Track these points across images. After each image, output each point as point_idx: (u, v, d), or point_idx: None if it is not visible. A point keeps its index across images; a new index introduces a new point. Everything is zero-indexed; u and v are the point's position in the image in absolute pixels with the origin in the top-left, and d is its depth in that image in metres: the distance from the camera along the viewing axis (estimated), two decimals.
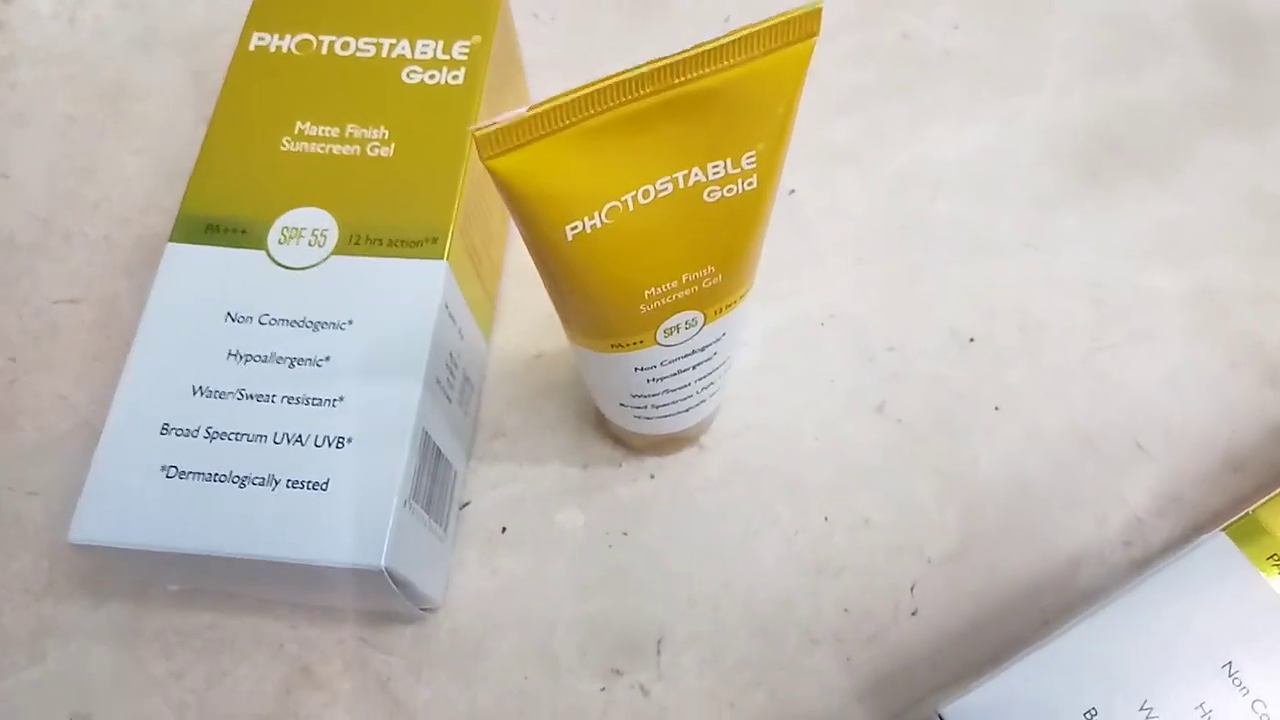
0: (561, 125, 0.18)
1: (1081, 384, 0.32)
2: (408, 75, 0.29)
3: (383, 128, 0.29)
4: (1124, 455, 0.31)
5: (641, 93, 0.18)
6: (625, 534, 0.30)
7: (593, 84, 0.17)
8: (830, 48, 0.38)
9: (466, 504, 0.30)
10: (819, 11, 0.18)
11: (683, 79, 0.18)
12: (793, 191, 0.35)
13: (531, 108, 0.17)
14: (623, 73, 0.17)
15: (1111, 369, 0.32)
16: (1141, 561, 0.29)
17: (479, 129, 0.17)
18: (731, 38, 0.18)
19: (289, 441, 0.25)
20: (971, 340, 0.32)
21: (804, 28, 0.18)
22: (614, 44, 0.38)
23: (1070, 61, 0.38)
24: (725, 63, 0.18)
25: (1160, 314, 0.33)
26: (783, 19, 0.18)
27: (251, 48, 0.30)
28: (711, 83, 0.18)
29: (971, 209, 0.35)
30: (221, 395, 0.25)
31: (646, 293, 0.21)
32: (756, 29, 0.18)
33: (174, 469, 0.25)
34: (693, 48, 0.18)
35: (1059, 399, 0.31)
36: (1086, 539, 0.30)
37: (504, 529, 0.30)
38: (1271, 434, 0.31)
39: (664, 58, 0.17)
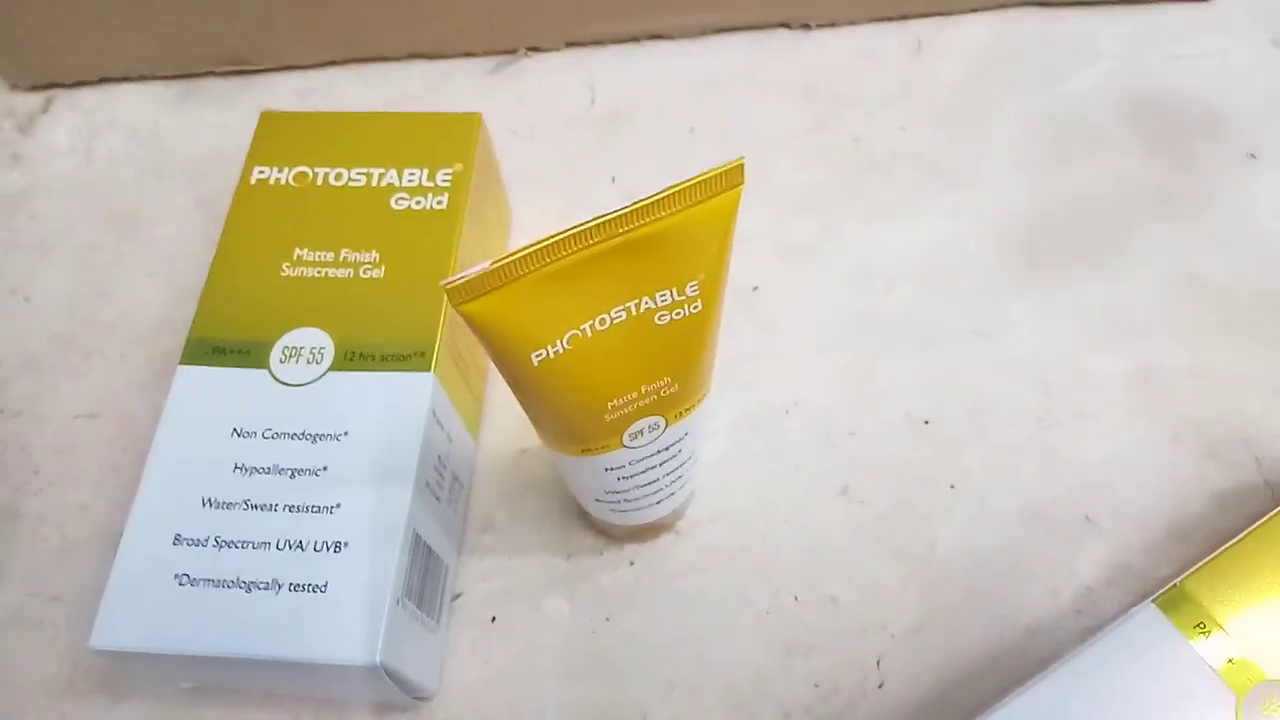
0: (522, 273, 0.20)
1: (1031, 462, 0.34)
2: (396, 202, 0.32)
3: (374, 251, 0.31)
4: (1074, 529, 0.33)
5: (592, 241, 0.20)
6: (608, 619, 0.32)
7: (549, 237, 0.20)
8: (786, 153, 0.41)
9: (459, 595, 0.32)
10: (742, 166, 0.21)
11: (627, 228, 0.21)
12: (756, 288, 0.38)
13: (495, 261, 0.20)
14: (575, 226, 0.20)
15: (1060, 447, 0.34)
16: (1093, 629, 0.31)
17: (449, 282, 0.19)
18: (668, 192, 0.20)
19: (290, 548, 0.27)
20: (926, 423, 0.35)
21: (730, 179, 0.21)
22: (587, 156, 0.41)
23: (1012, 158, 0.41)
24: (664, 212, 0.21)
25: (1104, 394, 0.35)
26: (712, 174, 0.21)
27: (253, 181, 0.33)
28: (654, 229, 0.21)
29: (923, 299, 0.37)
30: (229, 506, 0.28)
31: (609, 404, 0.24)
32: (689, 184, 0.21)
33: (186, 577, 0.27)
34: (635, 203, 0.20)
35: (1010, 477, 0.34)
36: (1041, 610, 0.31)
37: (494, 618, 0.32)
38: (1213, 504, 0.33)
39: (611, 212, 0.20)
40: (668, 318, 0.23)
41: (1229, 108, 0.42)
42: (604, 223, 0.20)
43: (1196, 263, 0.38)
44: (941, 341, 0.36)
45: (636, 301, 0.22)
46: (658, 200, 0.20)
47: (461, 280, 0.20)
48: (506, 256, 0.20)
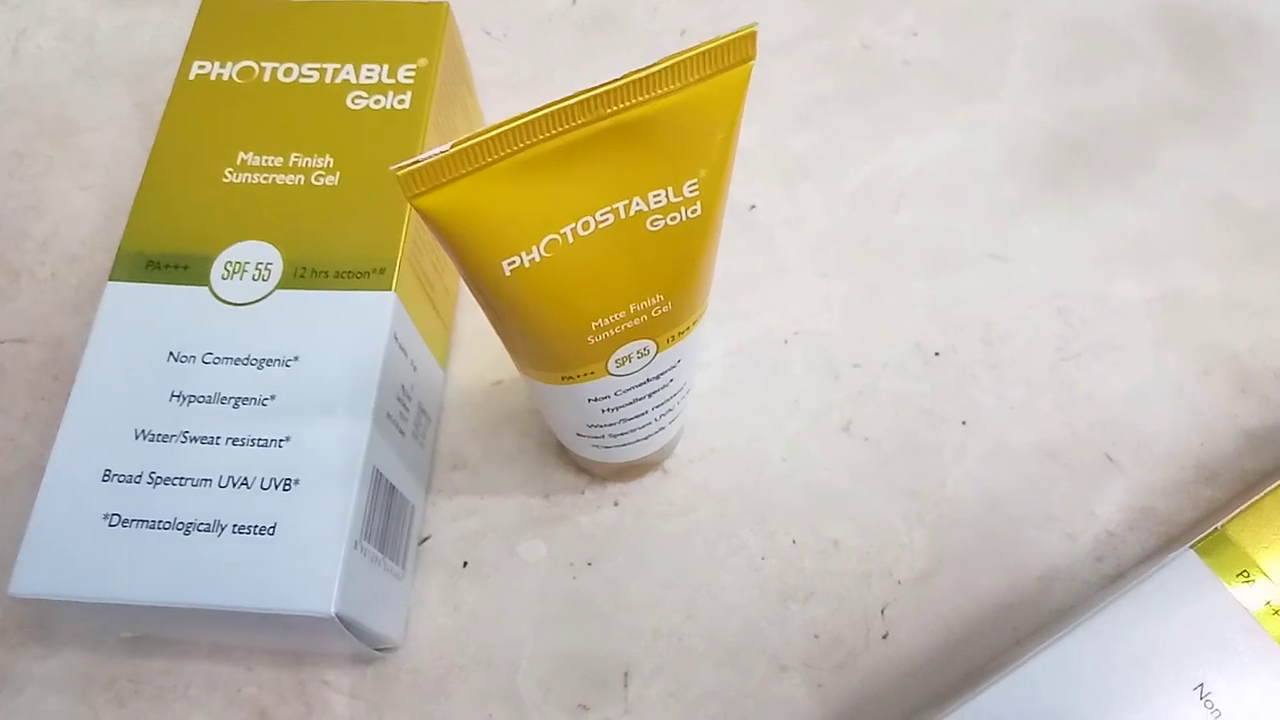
0: (490, 159, 0.17)
1: (1049, 396, 0.31)
2: (352, 101, 0.29)
3: (328, 156, 0.28)
4: (1094, 469, 0.30)
5: (573, 123, 0.17)
6: (589, 564, 0.29)
7: (522, 116, 0.17)
8: (789, 59, 0.37)
9: (426, 539, 0.29)
10: (754, 35, 0.17)
11: (616, 108, 0.17)
12: (753, 207, 0.34)
13: (456, 142, 0.16)
14: (554, 103, 0.17)
15: (1079, 380, 0.32)
16: (1114, 577, 0.29)
17: (401, 167, 0.16)
18: (665, 64, 0.17)
19: (234, 485, 0.24)
20: (936, 354, 0.32)
21: (740, 51, 0.18)
22: (568, 60, 0.37)
23: (1031, 68, 0.37)
24: (659, 90, 0.17)
25: (1128, 323, 0.33)
26: (718, 43, 0.17)
27: (192, 76, 0.29)
28: (647, 110, 0.18)
29: (934, 220, 0.34)
30: (165, 439, 0.25)
31: (594, 324, 0.21)
32: (691, 54, 0.17)
33: (116, 517, 0.24)
34: (624, 75, 0.17)
35: (1026, 413, 0.31)
36: (1058, 556, 0.29)
37: (465, 563, 0.29)
38: (1244, 443, 0.31)
39: (595, 86, 0.17)
40: (662, 222, 0.19)
41: (1266, 19, 0.38)
42: (589, 99, 0.17)
43: (1228, 185, 0.35)
44: (953, 266, 0.33)
45: (626, 202, 0.19)
46: (654, 74, 0.17)
47: (415, 165, 0.16)
48: (471, 137, 0.16)
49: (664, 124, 0.18)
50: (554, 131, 0.17)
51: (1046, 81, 0.37)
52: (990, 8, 0.39)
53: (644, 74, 0.17)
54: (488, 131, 0.17)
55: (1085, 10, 0.39)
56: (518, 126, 0.17)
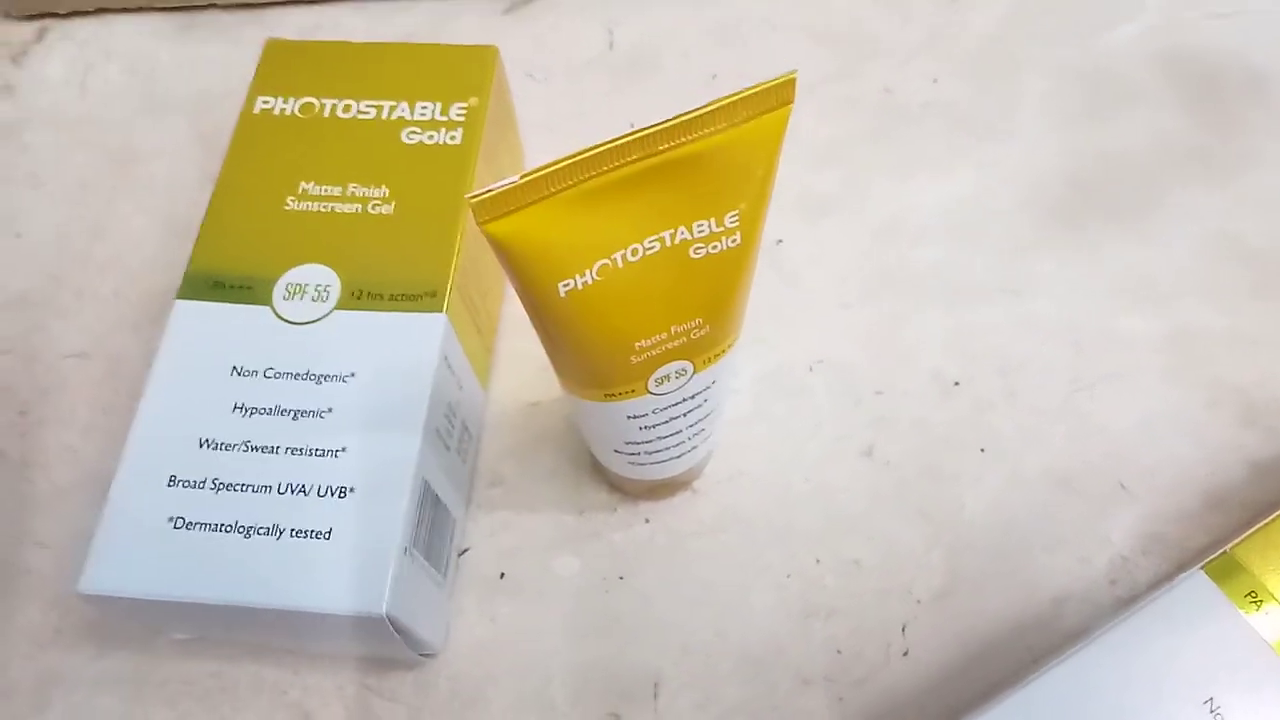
0: (553, 190, 0.19)
1: (1062, 426, 0.33)
2: (407, 136, 0.31)
3: (383, 187, 0.30)
4: (1107, 495, 0.31)
5: (629, 159, 0.19)
6: (621, 579, 0.30)
7: (582, 151, 0.18)
8: (814, 101, 0.39)
9: (465, 550, 0.31)
10: (794, 81, 0.19)
11: (667, 145, 0.19)
12: (780, 241, 0.36)
13: (524, 175, 0.18)
14: (611, 140, 0.19)
15: (1092, 411, 0.33)
16: (1127, 600, 0.30)
17: (474, 196, 0.18)
18: (712, 107, 0.19)
19: (293, 492, 0.25)
20: (955, 384, 0.33)
21: (780, 96, 0.19)
22: (604, 103, 0.39)
23: (1045, 112, 0.39)
24: (707, 130, 0.19)
25: (1138, 356, 0.34)
26: (761, 88, 0.19)
27: (256, 111, 0.31)
28: (694, 148, 0.19)
29: (952, 255, 0.36)
30: (227, 447, 0.26)
31: (637, 344, 0.22)
32: (736, 98, 0.19)
33: (181, 520, 0.25)
34: (676, 116, 0.19)
35: (1041, 441, 0.32)
36: (1072, 578, 0.30)
37: (502, 575, 0.30)
38: (1250, 472, 0.32)
39: (649, 126, 0.19)
40: (704, 250, 0.21)
41: (1269, 68, 0.40)
42: (642, 138, 0.19)
43: (1233, 225, 0.37)
44: (971, 299, 0.35)
45: (672, 231, 0.20)
46: (701, 115, 0.19)
47: (488, 195, 0.18)
48: (536, 170, 0.18)
49: (709, 161, 0.20)
50: (611, 166, 0.19)
51: (1060, 125, 0.39)
52: (1006, 56, 0.41)
53: (693, 115, 0.19)
54: (551, 165, 0.18)
55: (1096, 58, 0.40)
56: (579, 161, 0.18)
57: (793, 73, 0.19)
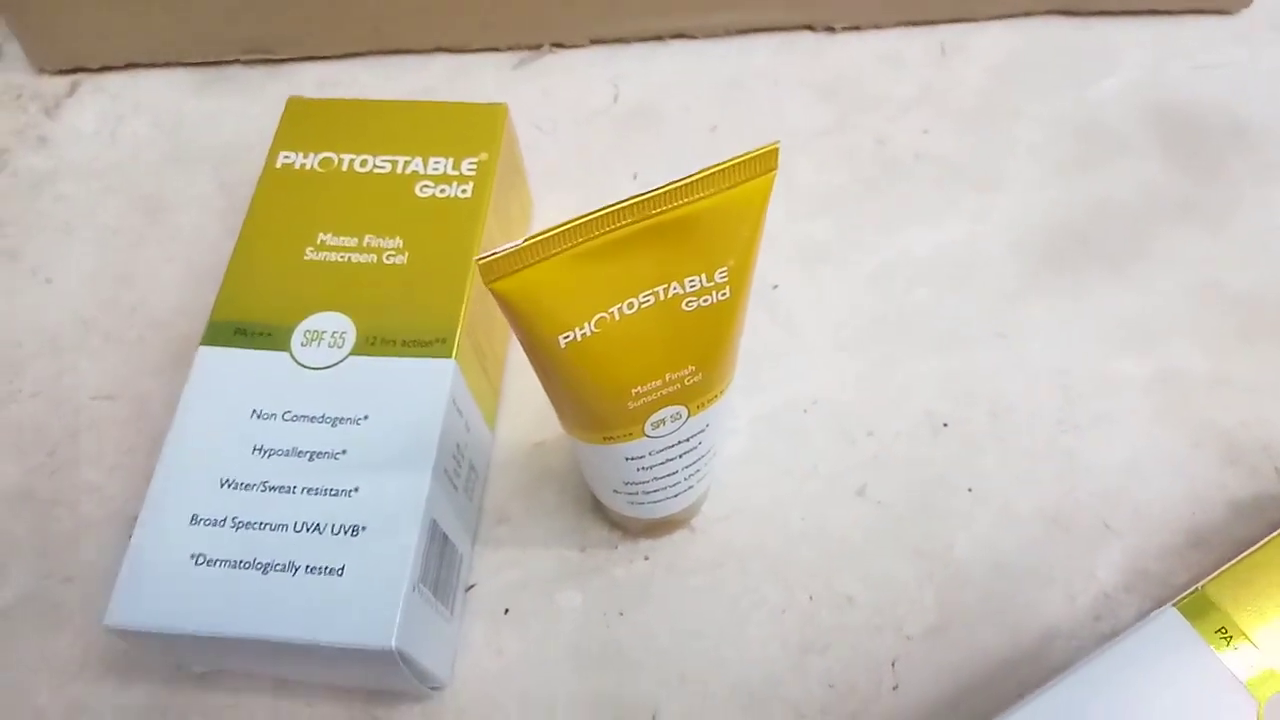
0: (554, 251, 0.20)
1: (1050, 466, 0.34)
2: (420, 190, 0.32)
3: (398, 238, 0.31)
4: (1093, 534, 0.32)
5: (624, 222, 0.20)
6: (621, 613, 0.31)
7: (582, 216, 0.20)
8: (809, 152, 0.41)
9: (472, 586, 0.32)
10: (776, 151, 0.21)
11: (660, 209, 0.20)
12: (776, 287, 0.37)
13: (528, 238, 0.20)
14: (608, 205, 0.20)
15: (1079, 451, 0.34)
16: (1110, 635, 0.31)
17: (482, 258, 0.19)
18: (703, 174, 0.20)
19: (308, 530, 0.27)
20: (945, 425, 0.35)
21: (765, 163, 0.21)
22: (609, 154, 0.41)
23: (1035, 162, 0.41)
24: (697, 195, 0.21)
25: (1124, 399, 0.35)
26: (747, 157, 0.21)
27: (278, 165, 0.33)
28: (686, 211, 0.21)
29: (944, 301, 0.37)
30: (247, 487, 0.28)
31: (633, 390, 0.24)
32: (724, 166, 0.20)
33: (202, 557, 0.27)
34: (668, 184, 0.20)
35: (1029, 481, 0.33)
36: (1059, 615, 0.31)
37: (507, 610, 0.32)
38: (1232, 511, 0.33)
39: (644, 193, 0.20)
40: (695, 304, 0.23)
41: (1252, 118, 0.41)
42: (637, 203, 0.20)
43: (1218, 271, 0.38)
44: (962, 343, 0.36)
45: (665, 286, 0.22)
46: (691, 183, 0.20)
47: (494, 256, 0.19)
48: (539, 234, 0.20)
49: (700, 222, 0.21)
50: (608, 229, 0.20)
51: (1049, 175, 0.40)
52: (996, 108, 0.42)
53: (685, 182, 0.20)
54: (553, 229, 0.20)
55: (1086, 110, 0.42)
56: (577, 225, 0.20)
57: (775, 143, 0.21)
